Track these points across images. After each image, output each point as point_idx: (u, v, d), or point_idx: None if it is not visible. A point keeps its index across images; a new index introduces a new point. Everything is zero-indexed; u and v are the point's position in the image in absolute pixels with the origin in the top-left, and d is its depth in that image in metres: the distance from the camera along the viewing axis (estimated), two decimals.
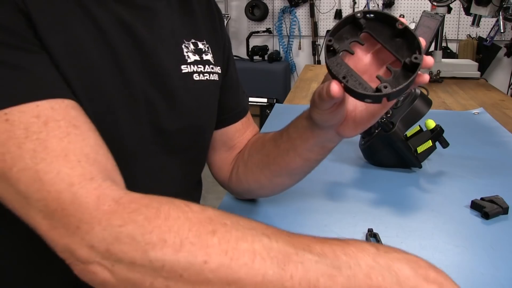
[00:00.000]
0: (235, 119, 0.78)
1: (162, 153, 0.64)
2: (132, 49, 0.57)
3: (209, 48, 0.69)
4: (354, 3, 3.39)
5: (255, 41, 3.64)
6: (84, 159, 0.44)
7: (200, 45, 0.67)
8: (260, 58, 3.55)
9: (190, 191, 0.74)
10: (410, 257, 0.41)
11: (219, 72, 0.71)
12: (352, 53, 0.51)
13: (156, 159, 0.63)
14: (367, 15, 0.50)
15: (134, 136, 0.59)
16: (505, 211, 0.78)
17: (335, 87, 0.48)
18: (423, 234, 0.73)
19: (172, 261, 0.38)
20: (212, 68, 0.68)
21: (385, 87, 0.46)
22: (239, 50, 3.72)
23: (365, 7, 3.37)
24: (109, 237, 0.39)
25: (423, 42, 0.48)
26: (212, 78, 0.68)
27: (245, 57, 3.56)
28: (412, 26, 3.19)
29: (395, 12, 3.33)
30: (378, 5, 3.33)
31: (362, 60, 0.54)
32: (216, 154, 0.79)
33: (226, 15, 3.62)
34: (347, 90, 0.48)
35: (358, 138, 1.01)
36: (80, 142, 0.45)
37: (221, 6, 3.66)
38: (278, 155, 0.68)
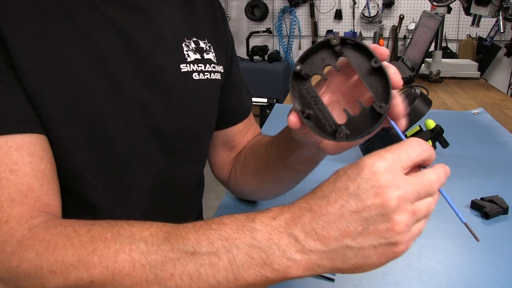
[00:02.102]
0: (238, 120, 0.77)
1: (161, 156, 0.63)
2: (124, 52, 0.57)
3: (211, 47, 0.68)
4: (354, 3, 3.39)
5: (255, 41, 3.64)
6: (7, 204, 0.46)
7: (202, 44, 0.67)
8: (260, 58, 3.55)
9: (191, 193, 0.73)
10: (289, 226, 0.38)
11: (222, 71, 0.70)
12: (325, 79, 0.48)
13: (155, 162, 0.63)
14: (345, 43, 0.45)
15: (129, 141, 0.58)
16: (505, 211, 0.78)
17: (292, 120, 0.46)
18: (423, 234, 0.73)
19: None
20: (214, 67, 0.68)
21: (340, 134, 0.44)
22: (239, 50, 3.72)
23: (364, 7, 3.37)
24: (13, 277, 0.43)
25: (398, 82, 0.43)
26: (213, 77, 0.67)
27: (245, 57, 3.56)
28: (412, 26, 3.20)
29: (395, 12, 3.33)
30: (378, 5, 3.33)
31: (335, 87, 0.50)
32: (217, 153, 0.79)
33: (226, 15, 3.62)
34: (305, 123, 0.46)
35: None
36: (10, 188, 0.47)
37: None
38: (268, 163, 0.67)
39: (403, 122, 0.45)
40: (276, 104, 1.74)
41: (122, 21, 0.57)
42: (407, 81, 1.78)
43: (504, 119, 1.35)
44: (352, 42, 0.45)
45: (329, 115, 0.45)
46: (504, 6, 1.65)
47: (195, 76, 0.65)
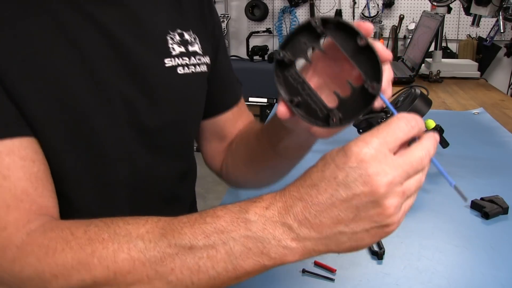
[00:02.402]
0: (225, 109, 0.75)
1: (146, 152, 0.63)
2: (107, 50, 0.56)
3: (197, 38, 0.67)
4: (354, 3, 3.39)
5: (255, 41, 3.64)
6: (3, 210, 0.46)
7: (187, 36, 0.65)
8: (260, 58, 3.54)
9: (177, 185, 0.73)
10: (282, 215, 0.39)
11: (208, 62, 0.68)
12: (309, 62, 0.46)
13: (140, 159, 0.62)
14: (326, 23, 0.43)
15: (115, 139, 0.58)
16: (505, 211, 0.78)
17: (281, 110, 0.45)
18: (423, 234, 0.73)
19: None
20: (200, 59, 0.66)
21: (333, 119, 0.43)
22: (239, 50, 3.72)
23: (365, 7, 3.37)
24: (16, 282, 0.45)
25: (387, 57, 0.42)
26: (199, 70, 0.66)
27: (245, 57, 3.55)
28: (412, 26, 3.20)
29: (395, 12, 3.33)
30: (378, 5, 3.33)
31: (322, 70, 0.49)
32: (208, 144, 0.78)
33: (226, 15, 3.62)
34: (296, 112, 0.44)
35: None
36: (5, 194, 0.47)
37: (221, 6, 3.66)
38: (259, 152, 0.66)
39: (389, 91, 0.44)
40: (276, 104, 1.74)
41: (104, 18, 0.56)
42: (407, 81, 1.78)
43: (504, 119, 1.35)
44: (334, 21, 0.43)
45: (319, 100, 0.44)
46: (504, 6, 1.65)
47: (180, 70, 0.63)
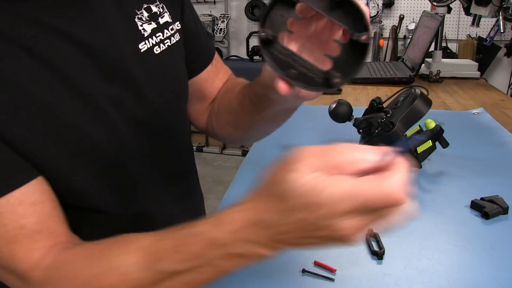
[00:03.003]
0: (199, 68, 0.74)
1: (147, 142, 0.63)
2: (80, 58, 0.53)
3: (164, 7, 0.64)
4: None
5: (255, 41, 3.63)
6: (26, 254, 0.49)
7: (154, 8, 0.62)
8: (260, 58, 3.54)
9: (184, 159, 0.74)
10: (252, 237, 0.41)
11: (179, 28, 0.66)
12: (291, 33, 0.46)
13: (143, 150, 0.62)
14: None
15: (115, 144, 0.58)
16: (505, 211, 0.78)
17: (282, 87, 0.45)
18: (423, 234, 0.73)
19: None
20: (172, 28, 0.65)
21: (334, 80, 0.43)
22: (239, 50, 3.72)
23: None
24: None
25: (366, 11, 0.43)
26: (174, 41, 0.65)
27: (245, 57, 3.55)
28: (412, 26, 3.20)
29: (395, 12, 3.33)
30: (378, 5, 3.33)
31: (305, 37, 0.48)
32: (189, 105, 0.76)
33: (226, 15, 3.62)
34: (296, 85, 0.45)
35: (358, 138, 1.01)
36: (25, 241, 0.49)
37: (221, 6, 3.66)
38: (244, 116, 0.66)
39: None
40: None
41: (67, 26, 0.52)
42: (407, 81, 1.78)
43: (504, 119, 1.35)
44: None
45: (313, 67, 0.44)
46: (504, 6, 1.65)
47: (156, 50, 0.62)
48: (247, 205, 0.42)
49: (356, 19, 0.41)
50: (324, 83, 0.44)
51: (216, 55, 0.77)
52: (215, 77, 0.76)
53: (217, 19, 3.63)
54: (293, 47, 0.48)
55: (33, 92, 0.50)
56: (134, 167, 0.62)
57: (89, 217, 0.60)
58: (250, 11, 3.60)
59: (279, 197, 0.39)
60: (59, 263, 0.49)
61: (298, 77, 0.45)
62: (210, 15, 3.61)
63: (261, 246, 0.41)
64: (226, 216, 0.43)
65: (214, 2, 3.65)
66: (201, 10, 3.63)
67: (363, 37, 0.41)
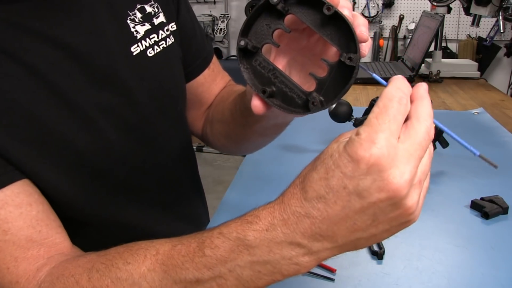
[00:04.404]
0: (196, 72, 0.71)
1: (141, 147, 0.61)
2: (67, 64, 0.51)
3: (159, 7, 0.61)
4: (354, 3, 3.39)
5: None
6: (12, 264, 0.46)
7: (148, 9, 0.60)
8: None
9: (181, 162, 0.72)
10: (287, 235, 0.35)
11: (175, 28, 0.64)
12: (277, 46, 0.41)
13: (136, 156, 0.61)
14: None
15: (100, 153, 0.56)
16: (505, 211, 0.78)
17: (256, 105, 0.41)
18: (423, 234, 0.73)
19: None
20: (167, 29, 0.62)
21: (314, 103, 0.38)
22: None
23: (364, 7, 3.37)
24: None
25: (359, 21, 0.38)
26: (170, 42, 0.62)
27: None
28: (412, 26, 3.20)
29: (395, 12, 3.33)
30: (378, 5, 3.33)
31: (292, 51, 0.44)
32: (185, 110, 0.74)
33: (226, 15, 3.62)
34: (271, 104, 0.40)
35: None
36: (10, 248, 0.46)
37: (221, 6, 3.66)
38: (235, 128, 0.63)
39: (366, 47, 0.39)
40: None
41: (53, 30, 0.50)
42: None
43: (504, 119, 1.35)
44: None
45: (294, 86, 0.40)
46: (504, 6, 1.65)
47: (150, 52, 0.59)
48: (277, 200, 0.36)
49: (347, 38, 0.37)
50: (303, 106, 0.40)
51: (215, 59, 0.74)
52: (212, 82, 0.73)
53: (217, 19, 3.63)
54: (281, 60, 0.44)
55: (15, 99, 0.47)
56: (124, 175, 0.60)
57: (78, 226, 0.57)
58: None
59: (312, 182, 0.34)
60: (56, 276, 0.45)
61: (276, 95, 0.41)
62: (210, 15, 3.61)
63: (298, 251, 0.35)
64: (249, 216, 0.37)
65: (214, 2, 3.66)
66: (201, 10, 3.63)
67: (351, 60, 0.37)
